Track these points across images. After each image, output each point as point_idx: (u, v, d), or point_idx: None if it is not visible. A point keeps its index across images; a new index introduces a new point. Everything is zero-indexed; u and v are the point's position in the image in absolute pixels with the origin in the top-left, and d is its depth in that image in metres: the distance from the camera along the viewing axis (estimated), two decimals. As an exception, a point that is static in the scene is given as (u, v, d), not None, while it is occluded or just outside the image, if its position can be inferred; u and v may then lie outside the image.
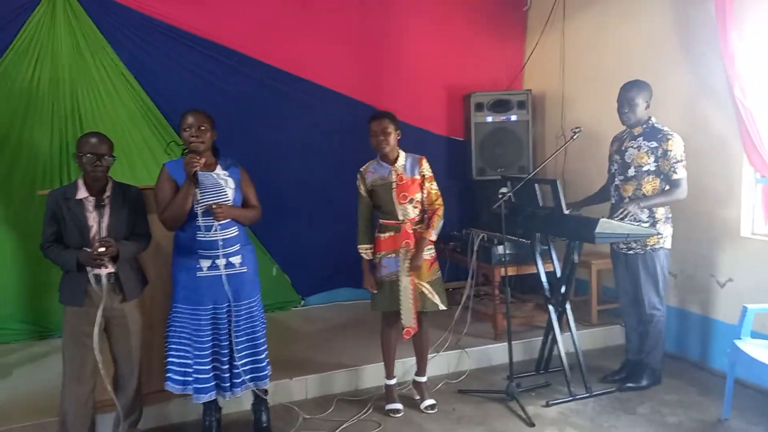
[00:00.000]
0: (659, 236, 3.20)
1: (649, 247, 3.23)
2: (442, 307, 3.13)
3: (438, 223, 3.10)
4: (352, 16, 4.67)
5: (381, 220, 3.10)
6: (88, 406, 2.68)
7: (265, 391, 2.95)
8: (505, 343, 3.29)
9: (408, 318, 3.04)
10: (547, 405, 3.19)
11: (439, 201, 3.12)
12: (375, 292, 3.12)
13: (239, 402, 3.11)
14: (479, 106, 4.77)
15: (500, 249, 3.93)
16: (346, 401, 3.31)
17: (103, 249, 2.47)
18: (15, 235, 3.97)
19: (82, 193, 2.60)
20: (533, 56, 5.10)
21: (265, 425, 2.94)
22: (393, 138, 3.06)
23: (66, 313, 2.62)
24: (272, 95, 4.46)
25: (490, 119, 4.78)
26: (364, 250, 3.11)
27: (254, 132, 4.36)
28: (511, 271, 3.78)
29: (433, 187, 3.12)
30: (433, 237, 3.09)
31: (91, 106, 4.10)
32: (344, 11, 4.63)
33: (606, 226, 2.98)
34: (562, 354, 3.34)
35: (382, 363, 3.24)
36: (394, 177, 3.05)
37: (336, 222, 4.57)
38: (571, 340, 3.38)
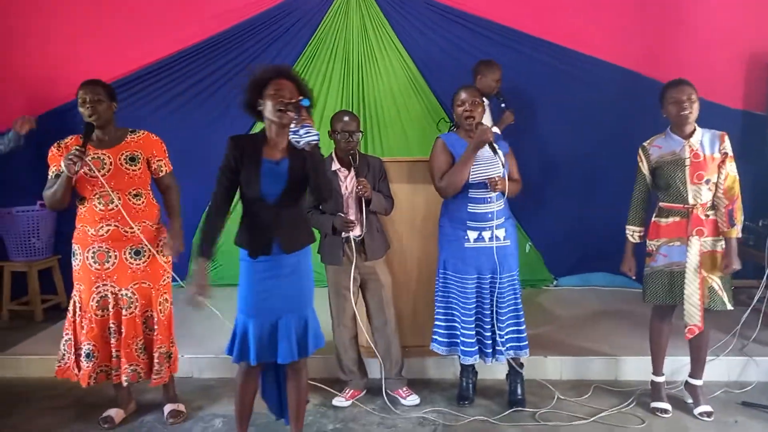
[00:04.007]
0: None
1: None
2: (729, 306, 2.76)
3: (741, 216, 2.70)
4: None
5: (662, 204, 2.80)
6: (353, 348, 3.05)
7: (521, 364, 2.97)
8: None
9: (694, 316, 2.72)
10: None
11: (737, 187, 2.71)
12: (633, 277, 2.92)
13: (493, 370, 3.18)
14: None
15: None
16: (605, 390, 3.14)
17: (361, 191, 2.75)
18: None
19: (335, 165, 2.90)
20: None
21: (519, 397, 2.97)
22: (696, 107, 2.71)
23: (327, 270, 2.98)
24: (544, 69, 4.35)
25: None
26: (632, 232, 2.88)
27: (527, 108, 4.30)
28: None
29: (732, 169, 2.71)
30: (739, 235, 2.71)
31: (372, 83, 4.56)
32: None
33: None
34: None
35: (647, 357, 2.98)
36: (687, 153, 2.71)
37: (599, 202, 4.35)
38: None
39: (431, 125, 4.42)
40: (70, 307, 2.75)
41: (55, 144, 2.68)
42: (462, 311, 2.86)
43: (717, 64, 4.26)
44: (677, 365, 3.13)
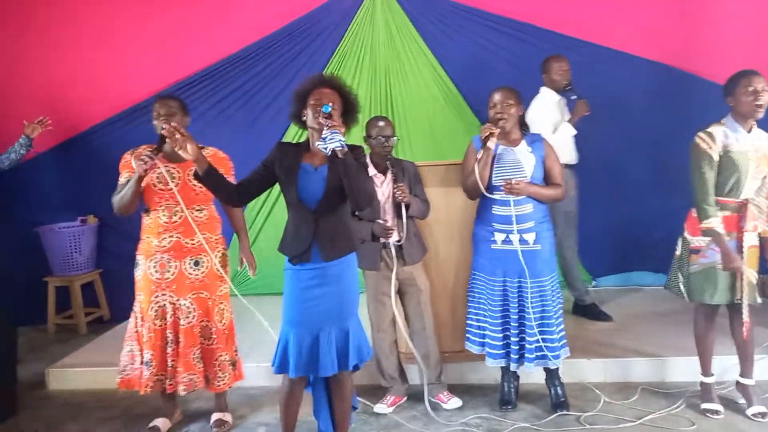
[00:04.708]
0: None
1: None
2: (759, 300, 2.74)
3: None
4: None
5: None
6: (393, 353, 3.05)
7: (556, 369, 2.92)
8: None
9: (746, 312, 2.66)
10: None
11: None
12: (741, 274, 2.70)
13: (535, 374, 3.14)
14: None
15: None
16: (652, 392, 3.07)
17: (399, 196, 2.74)
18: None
19: (370, 170, 2.89)
20: None
21: (562, 400, 2.92)
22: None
23: (366, 276, 2.98)
24: (572, 66, 4.28)
25: None
26: (717, 224, 2.61)
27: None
28: None
29: None
30: None
31: (400, 88, 4.58)
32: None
33: None
34: None
35: (694, 357, 2.91)
36: (752, 145, 2.61)
37: (633, 199, 4.29)
38: None
39: (461, 129, 4.41)
40: (132, 318, 2.81)
41: (129, 151, 2.76)
42: (490, 313, 2.85)
43: (754, 56, 4.15)
44: (727, 365, 3.05)
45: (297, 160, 2.29)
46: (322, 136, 2.11)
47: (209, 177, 2.26)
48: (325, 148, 2.11)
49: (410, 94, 4.56)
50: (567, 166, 3.75)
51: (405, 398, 3.08)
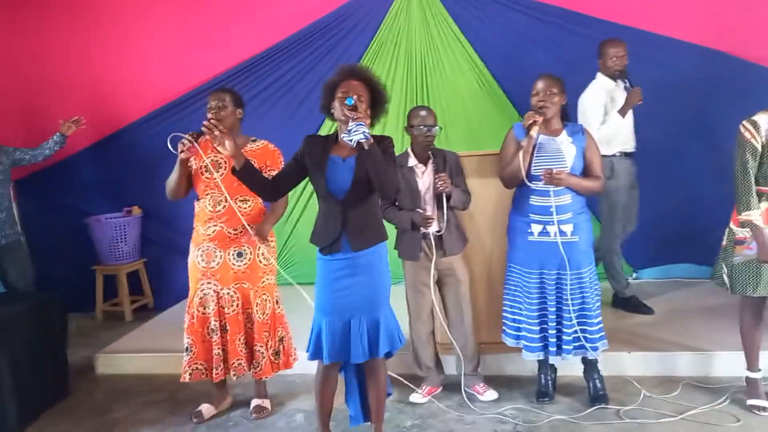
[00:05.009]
0: None
1: None
2: None
3: None
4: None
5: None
6: (431, 344, 3.05)
7: (594, 361, 2.88)
8: None
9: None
10: None
11: None
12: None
13: (573, 367, 3.11)
14: None
15: None
16: (695, 386, 3.00)
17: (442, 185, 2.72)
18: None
19: (412, 160, 2.89)
20: None
21: (601, 393, 2.88)
22: None
23: (405, 265, 2.99)
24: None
25: None
26: (756, 217, 2.55)
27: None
28: None
29: None
30: None
31: (437, 79, 4.55)
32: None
33: None
34: None
35: (740, 351, 2.82)
36: None
37: (675, 189, 4.16)
38: None
39: (497, 118, 4.36)
40: (187, 308, 2.89)
41: (170, 138, 2.80)
42: (526, 305, 2.82)
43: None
44: (775, 360, 2.95)
45: (325, 153, 2.32)
46: (348, 128, 2.15)
47: (245, 173, 2.31)
48: (350, 140, 2.14)
49: (446, 83, 4.52)
50: (624, 154, 3.69)
51: (440, 388, 3.09)
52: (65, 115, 3.97)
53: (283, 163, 2.86)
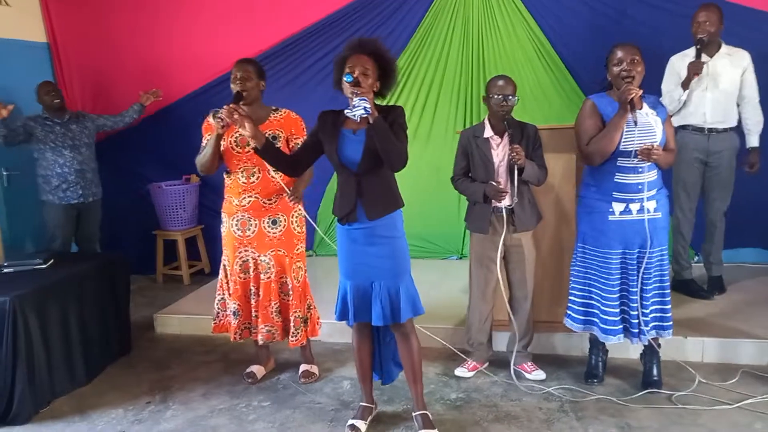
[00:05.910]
0: None
1: None
2: None
3: None
4: None
5: None
6: (488, 322, 3.03)
7: (659, 344, 2.79)
8: None
9: None
10: None
11: None
12: None
13: (625, 348, 3.03)
14: None
15: None
16: (755, 375, 2.87)
17: (514, 156, 2.65)
18: (432, 168, 4.58)
19: (488, 132, 2.82)
20: None
21: (655, 378, 2.80)
22: None
23: (473, 238, 2.95)
24: (677, 23, 3.93)
25: None
26: None
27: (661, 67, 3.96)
28: None
29: None
30: None
31: (492, 50, 4.42)
32: None
33: None
34: None
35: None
36: None
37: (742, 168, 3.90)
38: None
39: (557, 92, 4.22)
40: (221, 271, 3.01)
41: (210, 113, 2.88)
42: (603, 287, 2.71)
43: None
44: None
45: (337, 126, 2.36)
46: (352, 103, 2.19)
47: (266, 151, 2.40)
48: (354, 116, 2.19)
49: (504, 55, 4.39)
50: (695, 129, 3.52)
51: (486, 364, 3.08)
52: (134, 88, 4.12)
53: (306, 130, 2.92)
